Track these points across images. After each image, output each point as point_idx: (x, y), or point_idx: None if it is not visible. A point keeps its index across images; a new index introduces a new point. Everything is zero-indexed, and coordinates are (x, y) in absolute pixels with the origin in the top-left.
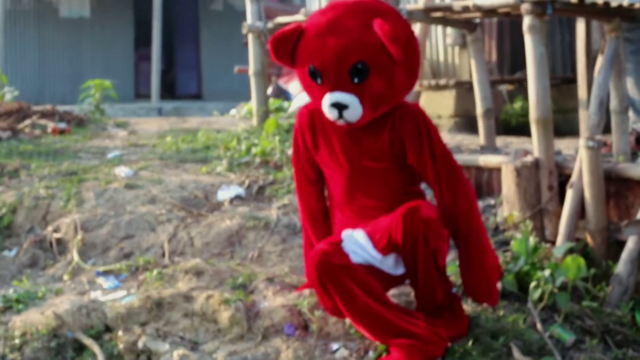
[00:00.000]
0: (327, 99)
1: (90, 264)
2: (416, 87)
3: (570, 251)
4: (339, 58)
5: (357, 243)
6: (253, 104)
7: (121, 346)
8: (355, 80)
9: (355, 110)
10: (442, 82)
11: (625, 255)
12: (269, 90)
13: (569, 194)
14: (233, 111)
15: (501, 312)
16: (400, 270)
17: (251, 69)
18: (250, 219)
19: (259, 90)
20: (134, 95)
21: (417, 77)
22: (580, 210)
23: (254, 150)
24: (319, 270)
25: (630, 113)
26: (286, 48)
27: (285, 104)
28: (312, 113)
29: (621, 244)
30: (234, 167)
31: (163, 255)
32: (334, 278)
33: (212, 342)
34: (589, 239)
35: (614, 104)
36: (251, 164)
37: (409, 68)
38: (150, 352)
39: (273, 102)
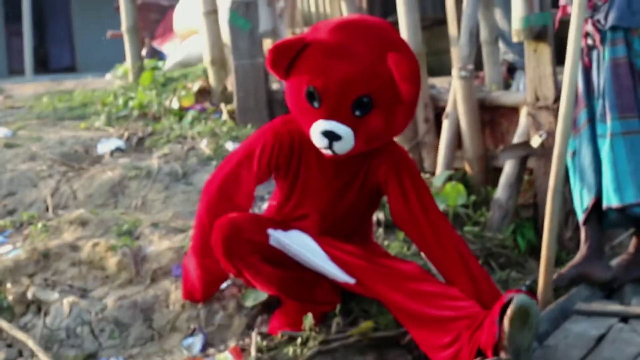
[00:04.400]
0: (320, 126)
1: None
2: (288, 35)
3: (450, 179)
4: (345, 86)
5: (304, 244)
6: (128, 60)
7: (10, 298)
8: (357, 113)
9: (347, 143)
10: None
11: (503, 180)
12: (144, 52)
13: (445, 124)
14: (108, 75)
15: (386, 242)
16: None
17: (124, 25)
18: (132, 169)
19: (132, 47)
20: (7, 72)
21: (412, 117)
22: (457, 141)
23: (131, 103)
24: (225, 243)
25: (500, 44)
26: (286, 59)
27: (160, 63)
28: (290, 132)
29: (499, 171)
30: (113, 122)
31: (47, 209)
32: (243, 254)
33: (102, 288)
34: (467, 168)
35: (483, 34)
36: (129, 117)
37: (410, 108)
38: (40, 301)
39: (148, 62)
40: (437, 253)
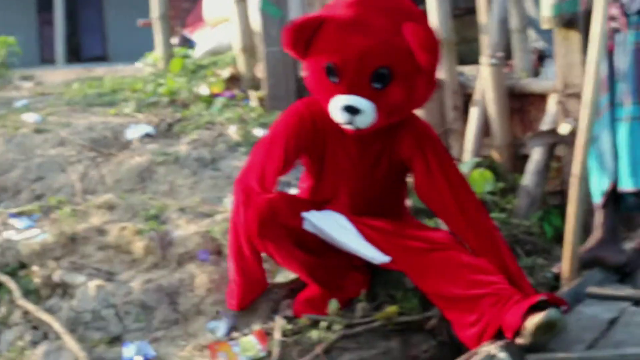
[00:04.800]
0: (341, 101)
1: (2, 207)
2: None
3: (478, 166)
4: (362, 59)
5: (338, 225)
6: (158, 47)
7: (37, 280)
8: (376, 85)
9: (368, 117)
10: None
11: (531, 166)
12: (175, 41)
13: (473, 112)
14: (138, 64)
15: None
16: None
17: (154, 13)
18: (160, 155)
19: (163, 34)
20: (39, 61)
21: (435, 87)
22: (485, 128)
23: (160, 90)
24: (260, 224)
25: (531, 32)
26: (303, 38)
27: (190, 51)
28: (312, 114)
29: (526, 158)
30: (142, 108)
31: (75, 194)
32: (275, 237)
33: (128, 272)
34: (495, 155)
35: (514, 22)
36: (158, 103)
37: (430, 78)
38: (66, 284)
39: (179, 50)
40: (464, 228)
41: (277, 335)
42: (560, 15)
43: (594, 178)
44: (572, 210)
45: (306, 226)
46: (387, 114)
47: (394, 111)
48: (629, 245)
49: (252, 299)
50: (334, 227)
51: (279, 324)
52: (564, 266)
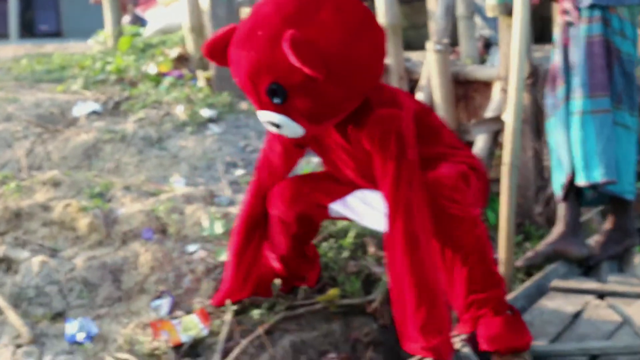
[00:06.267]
0: (260, 116)
1: None
2: None
3: None
4: (250, 78)
5: (368, 202)
6: (107, 25)
7: None
8: (276, 100)
9: (291, 129)
10: None
11: (475, 153)
12: (127, 19)
13: (419, 97)
14: (89, 41)
15: None
16: None
17: None
18: (107, 133)
19: (112, 13)
20: None
21: (373, 77)
22: None
23: (108, 68)
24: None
25: (477, 19)
26: (217, 55)
27: (141, 30)
28: None
29: (471, 145)
30: (90, 85)
31: (20, 170)
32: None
33: (72, 249)
34: None
35: (460, 9)
36: (106, 81)
37: (346, 78)
38: (10, 260)
39: (129, 29)
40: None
41: (227, 317)
42: (505, 3)
43: (554, 172)
44: (505, 199)
45: (331, 214)
46: (309, 121)
47: (314, 118)
48: (591, 239)
49: (243, 295)
50: (359, 208)
51: (227, 304)
52: (500, 254)
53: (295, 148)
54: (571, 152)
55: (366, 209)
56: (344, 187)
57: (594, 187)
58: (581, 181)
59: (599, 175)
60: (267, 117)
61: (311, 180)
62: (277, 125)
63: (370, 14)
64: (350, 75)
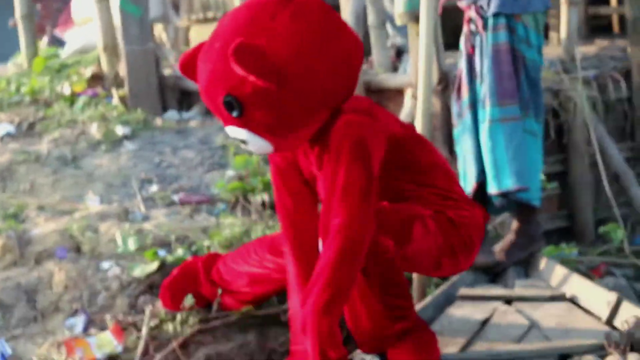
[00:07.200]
0: (228, 132)
1: None
2: (185, 22)
3: None
4: (206, 91)
5: None
6: (22, 47)
7: None
8: (233, 114)
9: (255, 143)
10: (211, 15)
11: None
12: (45, 40)
13: None
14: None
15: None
16: None
17: (18, 12)
18: (21, 154)
19: (27, 33)
20: None
21: (340, 88)
22: None
23: (23, 90)
24: None
25: (389, 28)
26: (191, 69)
27: (60, 51)
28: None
29: None
30: (4, 107)
31: None
32: None
33: None
34: None
35: (371, 18)
36: (21, 103)
37: (304, 89)
38: None
39: (47, 50)
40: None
41: (143, 331)
42: (412, 11)
43: (461, 181)
44: None
45: None
46: (273, 135)
47: (277, 131)
48: (497, 245)
49: None
50: None
51: (146, 318)
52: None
53: (300, 187)
54: (480, 161)
55: None
56: None
57: (504, 194)
58: (493, 190)
59: (510, 183)
60: (232, 132)
61: None
62: (244, 142)
63: (340, 24)
64: (309, 86)
